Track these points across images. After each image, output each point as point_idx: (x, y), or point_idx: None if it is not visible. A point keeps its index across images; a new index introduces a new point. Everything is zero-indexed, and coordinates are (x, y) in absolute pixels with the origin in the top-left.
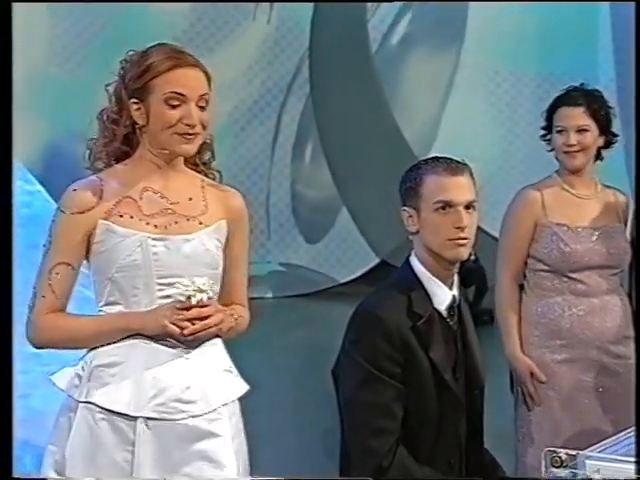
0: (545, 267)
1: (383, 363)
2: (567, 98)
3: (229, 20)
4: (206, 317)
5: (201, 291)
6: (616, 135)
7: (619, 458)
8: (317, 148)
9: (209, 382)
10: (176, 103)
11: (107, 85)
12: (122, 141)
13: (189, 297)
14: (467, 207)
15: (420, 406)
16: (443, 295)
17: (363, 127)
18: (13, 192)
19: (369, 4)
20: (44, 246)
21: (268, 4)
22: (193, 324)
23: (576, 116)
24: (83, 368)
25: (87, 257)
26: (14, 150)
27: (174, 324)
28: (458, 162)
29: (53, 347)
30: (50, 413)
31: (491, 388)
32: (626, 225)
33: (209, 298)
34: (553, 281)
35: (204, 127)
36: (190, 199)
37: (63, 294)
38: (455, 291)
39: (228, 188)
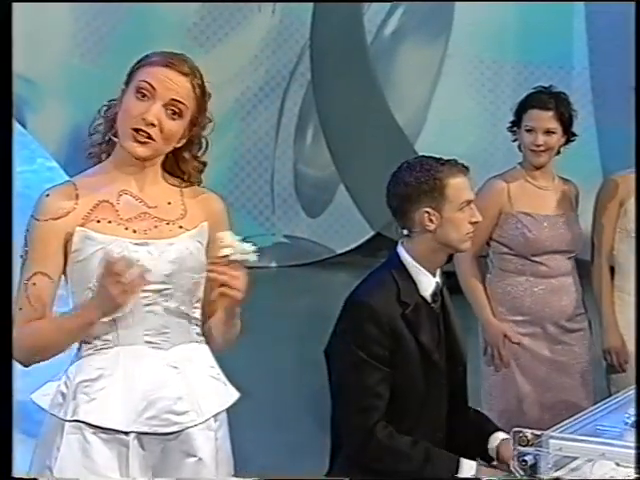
0: (509, 251)
1: (372, 348)
2: (537, 101)
3: (236, 13)
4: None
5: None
6: (575, 135)
7: (580, 438)
8: (317, 130)
9: (199, 391)
10: (145, 95)
11: None
12: (107, 136)
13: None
14: None
15: (407, 386)
16: (428, 283)
17: (359, 111)
18: (12, 192)
19: None
20: (21, 257)
21: None
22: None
23: (545, 119)
24: (66, 385)
25: (65, 268)
26: (42, 133)
27: (125, 292)
28: (463, 164)
29: (31, 359)
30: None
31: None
32: (577, 213)
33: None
34: (516, 263)
35: (165, 135)
36: (169, 203)
37: (41, 304)
38: (438, 278)
39: (207, 191)
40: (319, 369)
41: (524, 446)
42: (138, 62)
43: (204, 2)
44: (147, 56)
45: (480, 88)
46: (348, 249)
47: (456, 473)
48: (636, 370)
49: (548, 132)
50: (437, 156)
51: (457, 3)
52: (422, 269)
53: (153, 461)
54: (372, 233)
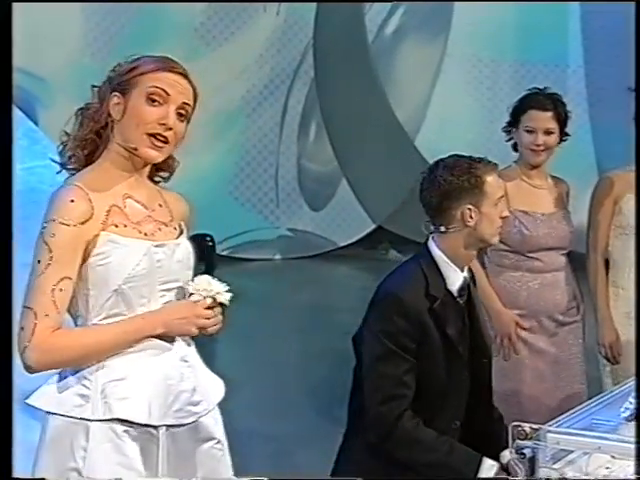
0: (506, 248)
1: (401, 339)
2: (536, 102)
3: (242, 13)
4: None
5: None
6: (568, 135)
7: (576, 432)
8: (320, 127)
9: (204, 381)
10: (157, 101)
11: (94, 86)
12: (96, 136)
13: (213, 298)
14: None
15: (431, 377)
16: (456, 278)
17: (361, 108)
18: (12, 191)
19: None
20: (39, 261)
21: None
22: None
23: (545, 119)
24: (86, 386)
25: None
26: (53, 129)
27: (207, 326)
28: (493, 162)
29: (57, 368)
30: None
31: None
32: (568, 210)
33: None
34: (512, 259)
35: (177, 136)
36: (160, 205)
37: (65, 309)
38: (466, 273)
39: (174, 192)
40: (322, 359)
41: (522, 440)
42: (132, 68)
43: (211, 2)
44: (139, 62)
45: (478, 86)
46: (350, 242)
47: (477, 470)
48: (636, 364)
49: (548, 132)
50: (469, 155)
51: (456, 3)
52: (452, 264)
53: (178, 451)
54: (373, 226)
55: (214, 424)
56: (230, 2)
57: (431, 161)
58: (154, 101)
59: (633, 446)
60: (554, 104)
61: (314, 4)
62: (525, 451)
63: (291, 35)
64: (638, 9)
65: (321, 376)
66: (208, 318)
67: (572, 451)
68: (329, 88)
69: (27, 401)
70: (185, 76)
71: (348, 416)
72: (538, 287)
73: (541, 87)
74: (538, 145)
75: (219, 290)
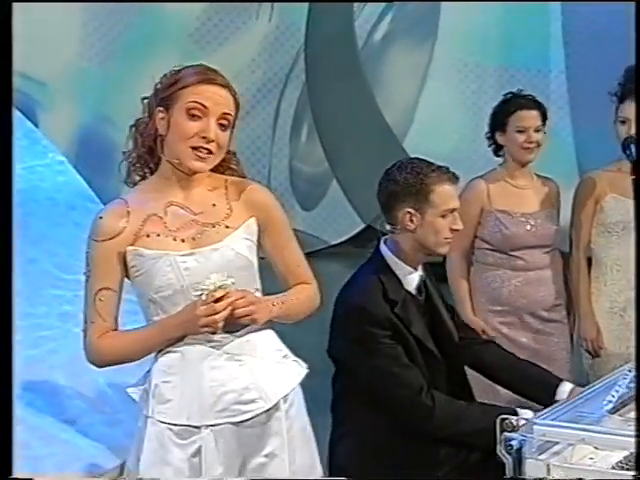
0: (489, 246)
1: (381, 339)
2: (523, 103)
3: (235, 19)
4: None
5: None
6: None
7: (562, 424)
8: (312, 129)
9: (265, 378)
10: (197, 115)
11: (144, 98)
12: (148, 152)
13: (213, 291)
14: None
15: None
16: (411, 278)
17: (351, 112)
18: (12, 190)
19: (355, 6)
20: (84, 274)
21: (269, 5)
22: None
23: (534, 118)
24: (149, 383)
25: (128, 278)
26: (53, 131)
27: (207, 325)
28: (453, 173)
29: (114, 364)
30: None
31: None
32: (557, 209)
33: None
34: (495, 257)
35: (220, 146)
36: (214, 205)
37: (110, 316)
38: (420, 271)
39: (251, 182)
40: (316, 354)
41: (510, 432)
42: (173, 82)
43: (210, 2)
44: (180, 74)
45: (464, 90)
46: (341, 240)
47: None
48: (636, 362)
49: (536, 130)
50: (430, 161)
51: (443, 9)
52: (405, 266)
53: (228, 449)
54: (363, 225)
55: (274, 422)
56: (226, 2)
57: None
58: (194, 115)
59: (616, 437)
60: (537, 104)
61: (305, 12)
62: (512, 443)
63: (283, 41)
64: (638, 9)
65: (317, 370)
66: (211, 314)
67: (557, 442)
68: (320, 92)
69: (127, 389)
70: (225, 86)
71: (336, 420)
72: (520, 285)
73: (514, 91)
74: (531, 142)
75: (211, 281)
